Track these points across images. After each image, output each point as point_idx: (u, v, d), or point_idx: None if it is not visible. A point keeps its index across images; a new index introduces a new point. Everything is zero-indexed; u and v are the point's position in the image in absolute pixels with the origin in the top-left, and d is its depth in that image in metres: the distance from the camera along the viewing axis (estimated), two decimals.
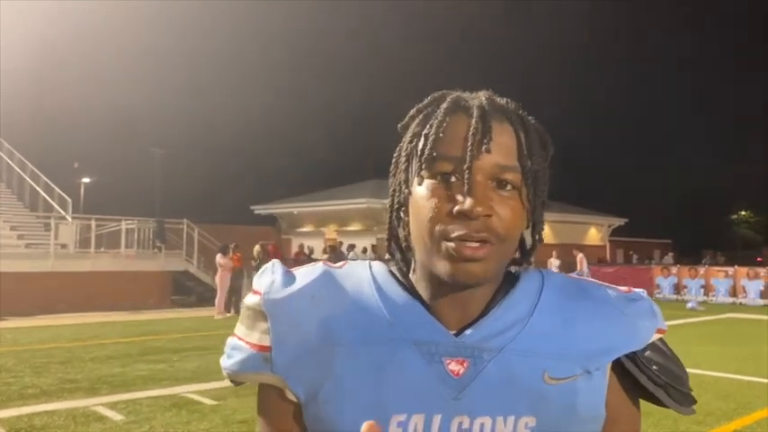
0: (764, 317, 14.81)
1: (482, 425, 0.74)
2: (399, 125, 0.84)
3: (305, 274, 0.82)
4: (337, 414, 0.75)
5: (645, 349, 0.80)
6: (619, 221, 32.85)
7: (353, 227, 25.29)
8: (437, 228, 0.74)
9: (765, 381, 7.14)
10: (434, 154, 0.75)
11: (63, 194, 18.62)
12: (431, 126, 0.77)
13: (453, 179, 0.74)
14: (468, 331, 0.77)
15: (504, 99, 0.82)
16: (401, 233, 0.85)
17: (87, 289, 15.54)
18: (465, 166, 0.73)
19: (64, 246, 17.51)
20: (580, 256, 19.44)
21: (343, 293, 0.79)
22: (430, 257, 0.76)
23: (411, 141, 0.80)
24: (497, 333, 0.77)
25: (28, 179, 19.54)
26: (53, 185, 19.04)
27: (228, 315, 13.93)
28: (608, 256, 31.40)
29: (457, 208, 0.72)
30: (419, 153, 0.78)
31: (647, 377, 0.80)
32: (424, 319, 0.77)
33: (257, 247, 15.33)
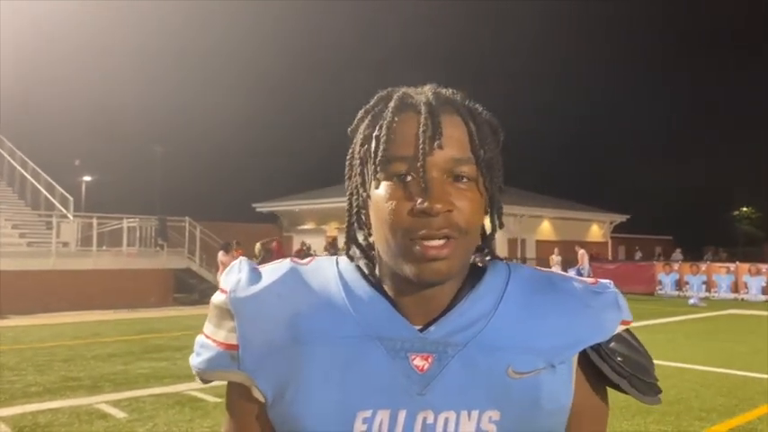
0: (766, 313, 14.79)
1: (446, 419, 0.75)
2: (349, 129, 0.84)
3: (271, 272, 0.82)
4: (304, 412, 0.75)
5: (610, 340, 0.80)
6: (620, 218, 32.81)
7: None
8: (399, 229, 0.74)
9: (767, 376, 7.15)
10: (387, 156, 0.75)
11: (65, 193, 18.65)
12: (380, 127, 0.77)
13: (409, 178, 0.75)
14: (432, 327, 0.77)
15: (450, 90, 0.82)
16: (360, 235, 0.85)
17: (89, 287, 15.57)
18: (419, 165, 0.73)
19: (65, 244, 17.55)
20: (581, 251, 19.43)
21: (309, 291, 0.80)
22: (395, 259, 0.76)
23: (363, 144, 0.81)
24: (462, 328, 0.77)
25: (29, 177, 19.56)
26: (54, 184, 19.06)
27: None
28: (609, 252, 31.38)
29: (417, 207, 0.73)
30: (372, 156, 0.78)
31: (610, 368, 0.80)
32: (390, 315, 0.78)
33: (258, 246, 15.31)
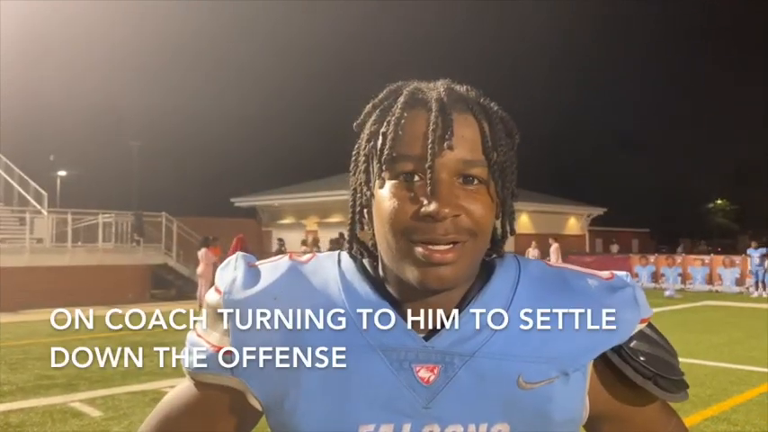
0: (740, 304, 15.07)
1: None
2: (355, 124, 0.80)
3: (270, 272, 0.78)
4: (303, 424, 0.72)
5: (630, 339, 0.77)
6: (598, 211, 33.14)
7: (334, 218, 25.24)
8: (402, 232, 0.70)
9: (741, 367, 7.26)
10: (394, 154, 0.71)
11: (38, 188, 18.34)
12: (388, 123, 0.73)
13: (416, 179, 0.71)
14: (438, 335, 0.73)
15: (465, 87, 0.77)
16: (363, 234, 0.82)
17: (64, 284, 15.33)
18: (427, 165, 0.69)
19: (40, 240, 17.27)
20: (555, 245, 19.43)
21: (308, 294, 0.75)
22: (396, 262, 0.72)
23: (369, 140, 0.76)
24: (469, 336, 0.73)
25: (2, 172, 19.19)
26: (28, 179, 18.73)
27: None
28: (587, 245, 31.67)
29: (423, 210, 0.69)
30: (378, 153, 0.73)
31: (633, 369, 0.77)
32: (393, 324, 0.73)
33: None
